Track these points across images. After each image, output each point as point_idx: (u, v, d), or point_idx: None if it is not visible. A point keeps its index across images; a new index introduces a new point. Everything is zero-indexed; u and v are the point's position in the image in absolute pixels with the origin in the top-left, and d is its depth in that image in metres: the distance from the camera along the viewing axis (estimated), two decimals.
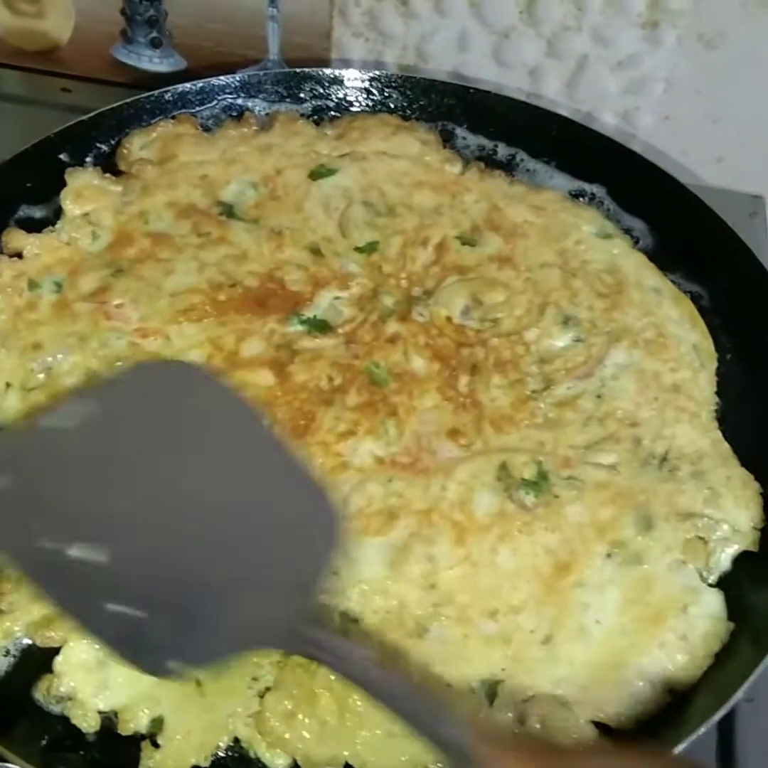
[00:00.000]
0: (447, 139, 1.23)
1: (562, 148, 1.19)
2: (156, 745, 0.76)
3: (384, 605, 0.82)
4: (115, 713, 0.78)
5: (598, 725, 0.78)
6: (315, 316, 1.02)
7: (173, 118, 1.19)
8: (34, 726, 0.78)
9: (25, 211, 1.10)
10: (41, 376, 0.96)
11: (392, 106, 1.26)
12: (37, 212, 1.11)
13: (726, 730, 0.86)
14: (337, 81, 1.25)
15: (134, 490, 0.77)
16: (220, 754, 0.77)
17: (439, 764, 0.74)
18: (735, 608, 0.84)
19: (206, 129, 1.21)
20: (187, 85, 1.21)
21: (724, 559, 0.86)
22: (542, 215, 1.14)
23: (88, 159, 1.16)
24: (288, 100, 1.25)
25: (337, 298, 1.04)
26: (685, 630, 0.81)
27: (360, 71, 1.26)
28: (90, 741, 0.77)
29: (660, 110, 1.31)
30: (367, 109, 1.26)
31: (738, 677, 0.76)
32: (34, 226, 1.09)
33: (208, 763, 0.76)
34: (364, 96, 1.26)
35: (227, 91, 1.23)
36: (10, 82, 1.47)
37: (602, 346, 1.00)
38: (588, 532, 0.86)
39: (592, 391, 0.97)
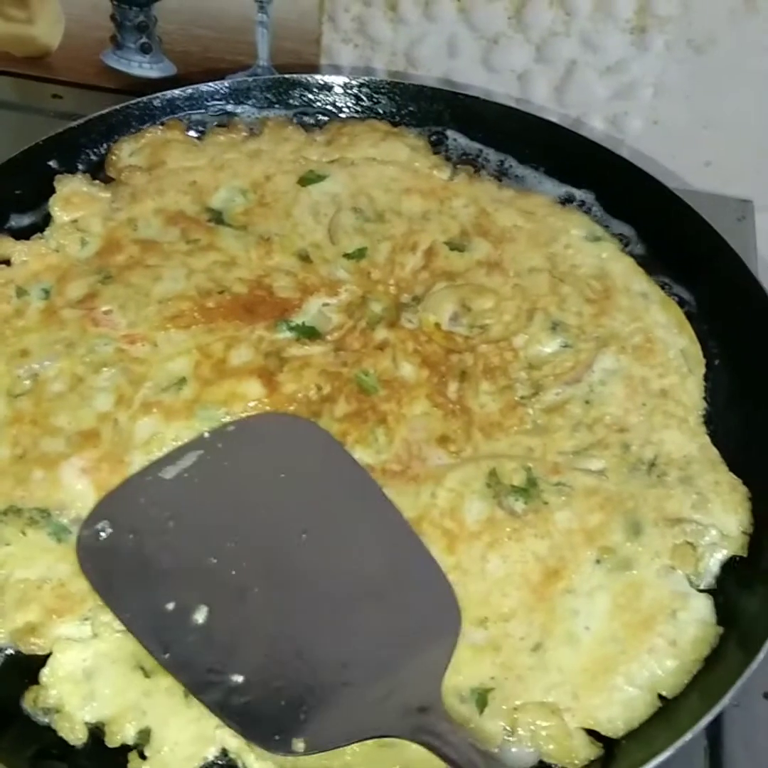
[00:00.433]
0: (437, 144, 1.23)
1: (551, 154, 1.19)
2: (143, 757, 0.75)
3: None
4: (103, 725, 0.77)
5: (589, 732, 0.77)
6: (304, 322, 1.01)
7: (162, 124, 1.19)
8: (21, 735, 0.77)
9: (13, 217, 1.10)
10: (27, 382, 0.95)
11: (381, 111, 1.26)
12: (26, 219, 1.10)
13: (714, 735, 0.86)
14: (327, 87, 1.25)
15: (253, 553, 0.75)
16: (208, 765, 0.76)
17: None
18: (724, 613, 0.84)
19: (196, 135, 1.21)
20: (177, 91, 1.21)
21: (712, 564, 0.86)
22: (531, 220, 1.14)
23: (77, 166, 1.16)
24: (277, 105, 1.25)
25: (325, 304, 1.04)
26: (675, 635, 0.81)
27: (349, 77, 1.26)
28: (77, 751, 0.76)
29: (648, 115, 1.31)
30: (356, 114, 1.26)
31: (726, 682, 0.76)
32: (22, 233, 1.08)
33: None
34: (354, 102, 1.26)
35: (216, 97, 1.23)
36: (0, 88, 1.47)
37: (590, 351, 1.01)
38: (577, 538, 0.86)
39: (581, 397, 0.97)
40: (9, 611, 0.81)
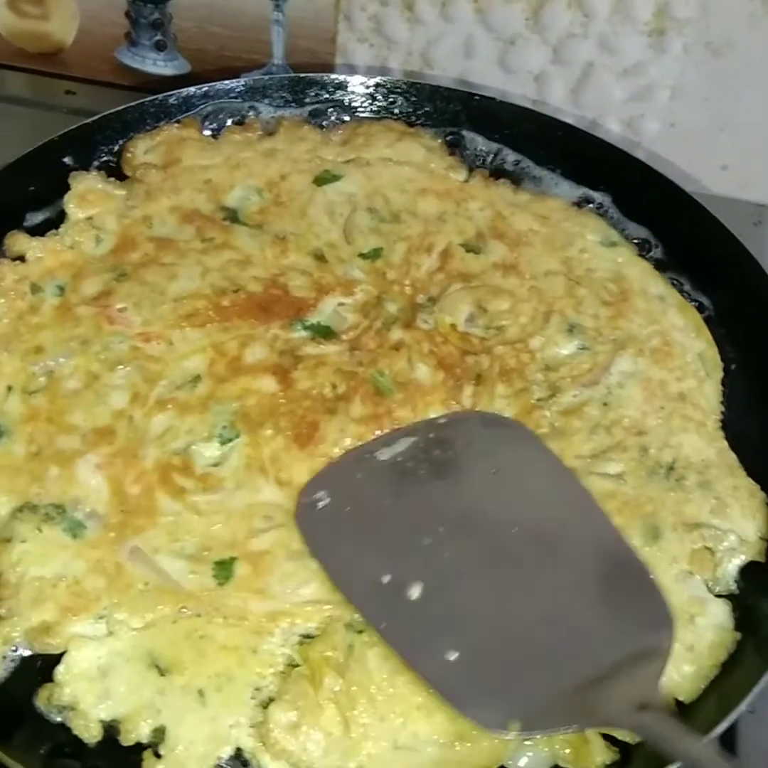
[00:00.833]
0: (453, 145, 1.23)
1: (567, 156, 1.19)
2: (158, 756, 0.75)
3: None
4: (117, 723, 0.77)
5: (606, 736, 0.77)
6: (319, 322, 1.01)
7: (178, 122, 1.19)
8: (34, 733, 0.77)
9: (28, 214, 1.09)
10: (42, 379, 0.95)
11: (397, 112, 1.25)
12: (40, 216, 1.10)
13: (728, 741, 0.85)
14: (342, 86, 1.25)
15: (465, 538, 0.78)
16: (223, 765, 0.76)
17: None
18: (741, 618, 0.83)
19: (210, 133, 1.21)
20: (192, 88, 1.20)
21: (731, 569, 0.86)
22: (547, 224, 1.14)
23: (92, 162, 1.15)
24: (293, 104, 1.24)
25: (341, 304, 1.03)
26: (692, 640, 0.81)
27: (365, 77, 1.25)
28: (91, 750, 0.76)
29: (665, 118, 1.30)
30: (371, 114, 1.25)
31: (743, 687, 0.76)
32: (36, 230, 1.08)
33: None
34: (369, 101, 1.25)
35: (232, 95, 1.22)
36: (14, 84, 1.47)
37: (608, 354, 1.00)
38: None
39: (598, 399, 0.96)
40: (24, 610, 0.81)
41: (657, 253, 1.13)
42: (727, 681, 0.79)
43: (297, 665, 0.79)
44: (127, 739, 0.76)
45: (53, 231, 1.08)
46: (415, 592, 0.77)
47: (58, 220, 1.09)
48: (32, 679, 0.79)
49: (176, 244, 1.06)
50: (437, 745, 0.76)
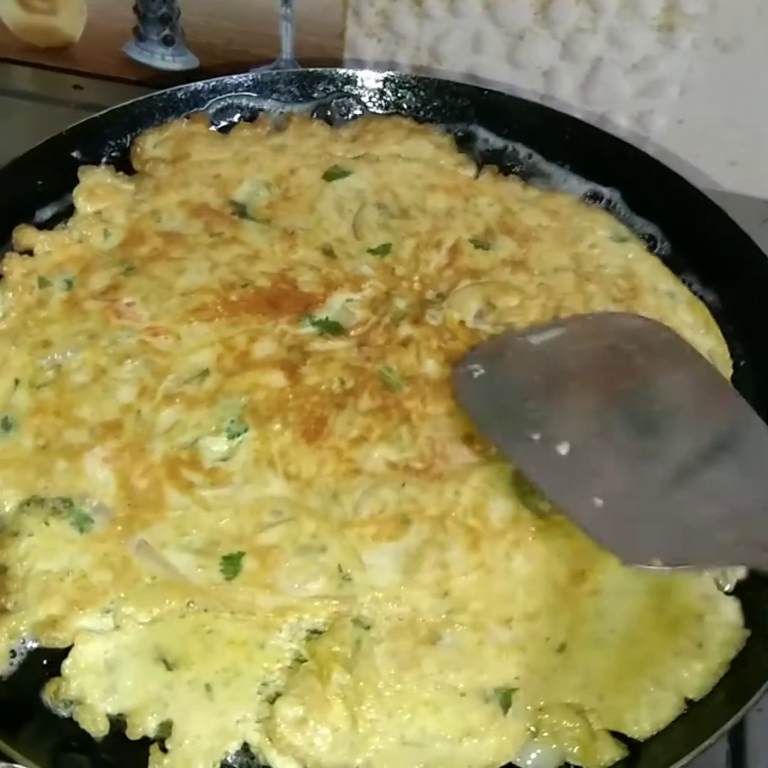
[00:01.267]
0: (464, 141, 1.23)
1: (576, 151, 1.18)
2: (164, 750, 0.75)
3: (397, 612, 0.81)
4: (124, 717, 0.77)
5: (614, 734, 0.77)
6: (327, 317, 1.01)
7: (187, 116, 1.19)
8: (41, 727, 0.77)
9: (37, 208, 1.10)
10: (50, 373, 0.95)
11: (405, 106, 1.25)
12: (49, 210, 1.10)
13: (737, 739, 0.86)
14: (351, 81, 1.25)
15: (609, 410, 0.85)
16: (229, 759, 0.76)
17: None
18: (750, 615, 0.83)
19: (218, 128, 1.21)
20: (200, 83, 1.20)
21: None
22: (556, 219, 1.14)
23: (100, 157, 1.15)
24: (301, 99, 1.24)
25: (349, 300, 1.03)
26: (702, 638, 0.81)
27: (373, 71, 1.25)
28: (98, 743, 0.76)
29: (674, 113, 1.30)
30: (380, 109, 1.25)
31: (753, 685, 0.76)
32: (45, 224, 1.08)
33: None
34: (377, 96, 1.25)
35: (240, 90, 1.22)
36: (23, 79, 1.47)
37: None
38: None
39: None
40: (31, 604, 0.80)
41: (666, 249, 1.12)
42: (737, 678, 0.79)
43: (304, 660, 0.79)
44: (134, 733, 0.76)
45: (61, 225, 1.08)
46: (563, 449, 0.83)
47: (66, 214, 1.10)
48: (39, 674, 0.79)
49: (185, 238, 1.06)
50: (445, 741, 0.76)
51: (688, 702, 0.78)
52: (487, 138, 1.23)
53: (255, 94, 1.23)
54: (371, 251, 1.08)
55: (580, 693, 0.78)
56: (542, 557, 0.84)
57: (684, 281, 1.09)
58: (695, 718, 0.77)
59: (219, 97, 1.22)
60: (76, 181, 1.10)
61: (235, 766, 0.76)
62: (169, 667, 0.78)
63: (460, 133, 1.23)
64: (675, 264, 1.10)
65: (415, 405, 0.94)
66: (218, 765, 0.75)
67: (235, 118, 1.23)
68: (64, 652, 0.79)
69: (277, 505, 0.87)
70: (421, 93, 1.24)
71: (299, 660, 0.79)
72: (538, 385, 0.89)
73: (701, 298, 1.07)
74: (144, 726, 0.76)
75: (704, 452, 0.81)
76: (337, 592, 0.82)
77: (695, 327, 1.03)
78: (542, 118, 1.21)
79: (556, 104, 1.28)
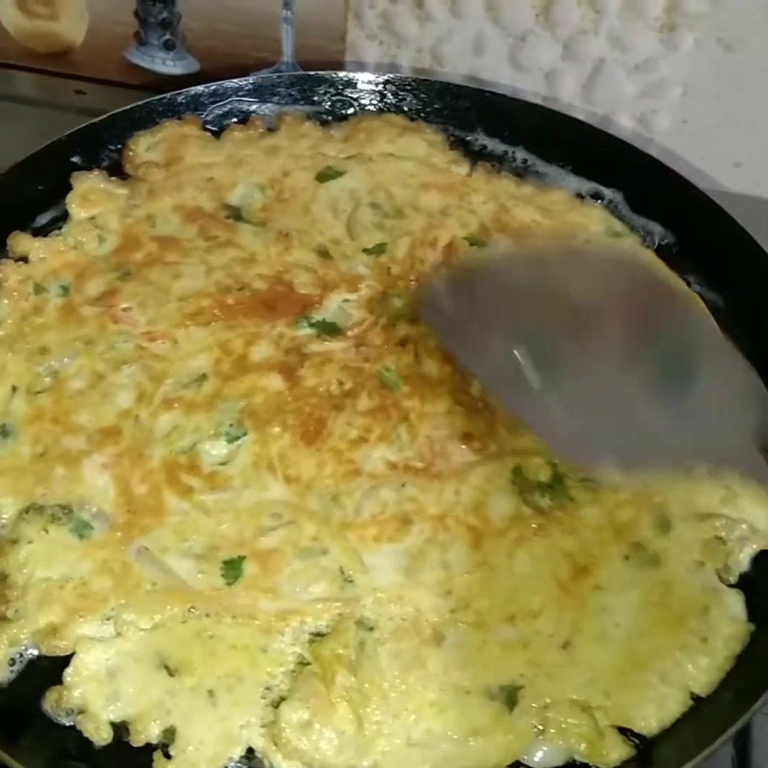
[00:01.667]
0: (463, 142, 1.22)
1: (578, 152, 1.18)
2: (168, 756, 0.75)
3: (400, 613, 0.81)
4: (127, 724, 0.76)
5: (621, 730, 0.76)
6: (324, 319, 1.01)
7: (179, 118, 1.18)
8: (41, 736, 0.76)
9: (36, 214, 1.09)
10: (48, 379, 0.95)
11: (406, 109, 1.24)
12: (48, 215, 1.10)
13: (742, 744, 0.85)
14: (351, 84, 1.24)
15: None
16: (234, 765, 0.75)
17: None
18: (755, 609, 0.82)
19: (219, 131, 1.20)
20: (200, 87, 1.20)
21: (743, 559, 0.85)
22: (550, 216, 1.13)
23: (100, 162, 1.15)
24: (302, 102, 1.24)
25: (346, 300, 1.03)
26: (706, 632, 0.80)
27: (374, 74, 1.25)
28: (99, 751, 0.75)
29: (677, 114, 1.29)
30: (381, 112, 1.24)
31: (762, 680, 0.75)
32: (45, 230, 1.08)
33: None
34: (378, 99, 1.25)
35: (240, 93, 1.22)
36: (24, 84, 1.47)
37: None
38: (605, 534, 0.85)
39: None
40: (31, 612, 0.80)
41: (668, 249, 1.11)
42: (745, 674, 0.78)
43: (308, 664, 0.78)
44: (137, 741, 0.75)
45: (56, 231, 1.07)
46: (525, 362, 0.81)
47: (65, 219, 1.09)
48: (40, 681, 0.78)
49: (180, 242, 1.06)
50: (451, 741, 0.75)
51: (695, 699, 0.78)
52: (488, 139, 1.22)
53: (255, 98, 1.22)
54: (366, 251, 1.07)
55: (585, 689, 0.77)
56: (544, 554, 0.84)
57: (687, 282, 1.08)
58: (703, 716, 0.77)
59: (219, 102, 1.21)
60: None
61: None
62: (171, 673, 0.77)
63: (460, 135, 1.22)
64: (678, 265, 1.09)
65: (414, 404, 0.94)
66: None
67: (233, 122, 1.22)
68: (65, 660, 0.78)
69: (277, 508, 0.87)
70: (422, 95, 1.24)
71: (303, 663, 0.78)
72: (504, 303, 0.88)
73: (704, 298, 1.06)
74: (147, 733, 0.75)
75: (668, 371, 0.79)
76: (339, 594, 0.82)
77: None
78: (544, 120, 1.20)
79: (559, 106, 1.28)
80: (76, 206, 1.08)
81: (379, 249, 1.08)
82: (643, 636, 0.80)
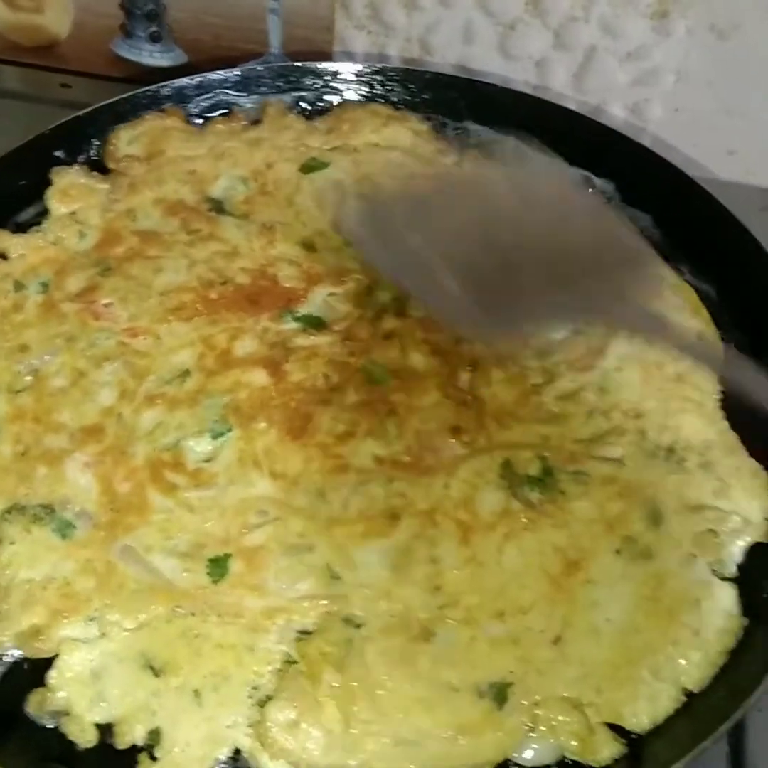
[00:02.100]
0: (458, 133, 1.20)
1: (570, 142, 1.15)
2: (153, 758, 0.74)
3: (388, 609, 0.80)
4: (112, 726, 0.75)
5: (613, 727, 0.75)
6: (309, 313, 0.99)
7: (162, 110, 1.16)
8: (24, 738, 0.75)
9: (18, 209, 1.07)
10: (28, 378, 0.93)
11: (395, 99, 1.22)
12: (31, 210, 1.08)
13: (736, 740, 0.84)
14: (338, 75, 1.22)
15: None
16: (221, 766, 0.74)
17: None
18: (749, 603, 0.81)
19: (206, 123, 1.18)
20: (185, 79, 1.18)
21: (736, 551, 0.84)
22: None
23: (84, 155, 1.13)
24: (289, 93, 1.21)
25: (331, 294, 1.01)
26: (699, 626, 0.79)
27: (362, 65, 1.23)
28: (84, 754, 0.75)
29: (670, 102, 1.28)
30: (370, 102, 1.22)
31: (754, 676, 0.74)
32: (27, 225, 1.06)
33: None
34: (367, 89, 1.22)
35: (226, 85, 1.20)
36: (9, 78, 1.44)
37: (601, 337, 0.98)
38: (596, 527, 0.84)
39: (595, 384, 0.94)
40: (14, 614, 0.79)
41: (660, 238, 1.09)
42: (737, 670, 0.78)
43: (295, 662, 0.77)
44: (122, 742, 0.74)
45: (35, 227, 1.06)
46: (433, 257, 0.86)
47: (42, 216, 1.07)
48: (23, 684, 0.77)
49: (161, 236, 1.04)
50: (440, 739, 0.74)
51: (688, 695, 0.77)
52: (479, 129, 1.20)
53: (241, 90, 1.20)
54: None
55: (577, 686, 0.76)
56: (534, 549, 0.83)
57: (679, 272, 1.06)
58: (696, 712, 0.76)
59: (205, 94, 1.19)
60: None
61: None
62: (156, 673, 0.76)
63: (451, 125, 1.20)
64: (670, 253, 1.07)
65: (401, 398, 0.92)
66: None
67: (218, 113, 1.20)
68: (48, 661, 0.77)
69: (262, 505, 0.86)
70: (411, 85, 1.22)
71: (289, 662, 0.77)
72: (415, 209, 0.92)
73: (696, 288, 1.05)
74: (132, 734, 0.74)
75: (561, 250, 0.85)
76: (326, 591, 0.80)
77: (682, 310, 1.01)
78: (535, 109, 1.18)
79: (550, 95, 1.26)
80: (56, 202, 1.07)
81: None
82: (635, 631, 0.79)
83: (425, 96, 1.22)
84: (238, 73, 1.20)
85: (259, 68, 1.22)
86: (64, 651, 0.77)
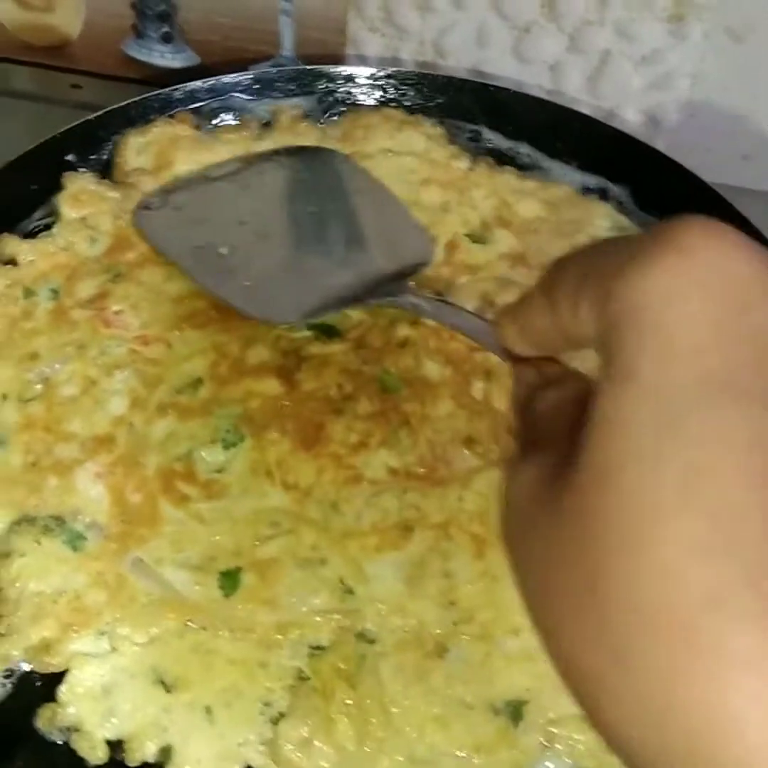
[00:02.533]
0: (471, 139, 1.19)
1: (584, 147, 1.14)
2: None
3: (402, 624, 0.79)
4: (122, 742, 0.74)
5: None
6: (322, 320, 0.98)
7: (171, 116, 1.15)
8: (33, 754, 0.74)
9: (29, 214, 1.06)
10: (39, 386, 0.92)
11: (408, 103, 1.21)
12: (42, 214, 1.07)
13: None
14: (352, 78, 1.20)
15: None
16: None
17: None
18: None
19: (215, 127, 1.17)
20: (197, 82, 1.16)
21: None
22: (554, 211, 1.11)
23: (95, 157, 1.12)
24: (301, 97, 1.20)
25: None
26: None
27: (375, 68, 1.21)
28: None
29: (685, 107, 1.26)
30: (383, 107, 1.21)
31: None
32: (38, 230, 1.05)
33: None
34: (380, 93, 1.21)
35: (238, 88, 1.18)
36: (19, 78, 1.42)
37: None
38: None
39: None
40: (24, 627, 0.78)
41: None
42: None
43: (307, 678, 0.76)
44: (133, 759, 0.73)
45: (45, 232, 1.05)
46: (225, 250, 0.96)
47: (56, 220, 1.06)
48: (32, 699, 0.76)
49: None
50: (455, 757, 0.73)
51: None
52: (493, 134, 1.18)
53: (253, 94, 1.19)
54: None
55: None
56: None
57: None
58: None
59: (217, 97, 1.18)
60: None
61: None
62: (167, 688, 0.75)
63: (464, 130, 1.19)
64: None
65: (415, 407, 0.91)
66: None
67: (230, 117, 1.19)
68: (58, 676, 0.76)
69: (275, 516, 0.85)
70: (425, 89, 1.20)
71: (302, 678, 0.76)
72: (210, 207, 1.01)
73: None
74: (143, 751, 0.73)
75: (350, 237, 0.97)
76: (339, 605, 0.79)
77: None
78: (549, 114, 1.16)
79: (564, 99, 1.24)
80: (67, 207, 1.05)
81: None
82: None
83: (439, 100, 1.21)
84: (251, 76, 1.19)
85: (271, 71, 1.20)
86: (74, 666, 0.76)
